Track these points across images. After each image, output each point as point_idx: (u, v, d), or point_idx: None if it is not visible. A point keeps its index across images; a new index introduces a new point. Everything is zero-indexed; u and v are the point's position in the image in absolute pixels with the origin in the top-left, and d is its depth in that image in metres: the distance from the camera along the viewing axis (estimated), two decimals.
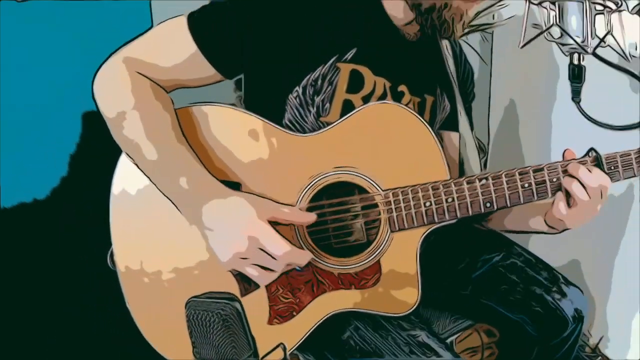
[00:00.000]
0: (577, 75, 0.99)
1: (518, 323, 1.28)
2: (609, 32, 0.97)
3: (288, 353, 1.09)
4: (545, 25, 0.99)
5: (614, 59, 1.09)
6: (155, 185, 1.08)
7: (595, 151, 1.17)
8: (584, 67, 1.01)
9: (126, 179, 1.13)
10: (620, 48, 1.01)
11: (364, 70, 1.16)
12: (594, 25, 0.98)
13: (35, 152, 1.74)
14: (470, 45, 1.76)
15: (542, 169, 1.12)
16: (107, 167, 1.17)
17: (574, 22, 0.98)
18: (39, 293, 1.80)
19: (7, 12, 1.63)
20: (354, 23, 1.17)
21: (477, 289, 1.30)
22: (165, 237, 1.12)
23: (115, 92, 1.11)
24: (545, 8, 0.99)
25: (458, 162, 1.27)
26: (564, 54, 1.01)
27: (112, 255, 1.15)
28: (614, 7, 0.96)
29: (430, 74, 1.25)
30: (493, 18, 1.66)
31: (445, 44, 1.28)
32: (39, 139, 1.74)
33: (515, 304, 1.28)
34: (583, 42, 0.97)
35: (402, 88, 1.20)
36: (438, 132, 1.26)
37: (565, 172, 1.11)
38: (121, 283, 1.15)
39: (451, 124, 1.28)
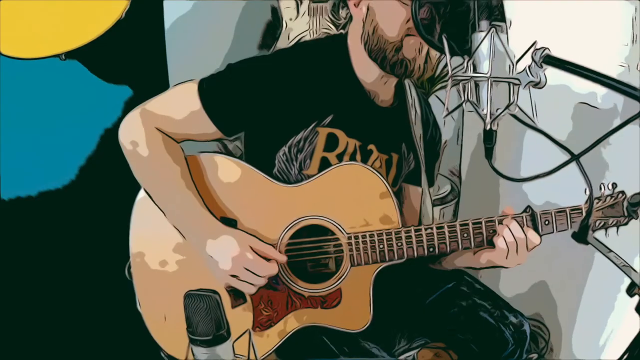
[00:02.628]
0: (488, 138, 1.18)
1: (464, 341, 1.53)
2: (511, 103, 1.21)
3: (266, 355, 1.41)
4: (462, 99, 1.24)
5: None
6: (166, 217, 1.39)
7: (532, 208, 1.44)
8: (495, 131, 1.24)
9: None
10: (527, 115, 1.25)
11: (339, 133, 1.45)
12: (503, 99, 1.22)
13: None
14: (438, 98, 2.01)
15: (480, 222, 1.40)
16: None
17: (483, 95, 1.22)
18: (51, 293, 1.94)
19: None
20: (332, 93, 1.44)
21: (431, 312, 1.56)
22: (176, 248, 1.42)
23: (133, 143, 1.39)
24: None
25: (419, 212, 1.55)
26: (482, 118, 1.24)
27: (129, 267, 1.45)
28: (520, 81, 1.21)
29: (397, 135, 1.53)
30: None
31: (414, 110, 1.55)
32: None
33: (461, 325, 1.52)
34: (492, 113, 1.21)
35: (371, 147, 1.49)
36: (402, 185, 1.55)
37: (500, 222, 1.39)
38: (135, 285, 1.44)
39: (415, 179, 1.56)
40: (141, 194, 1.43)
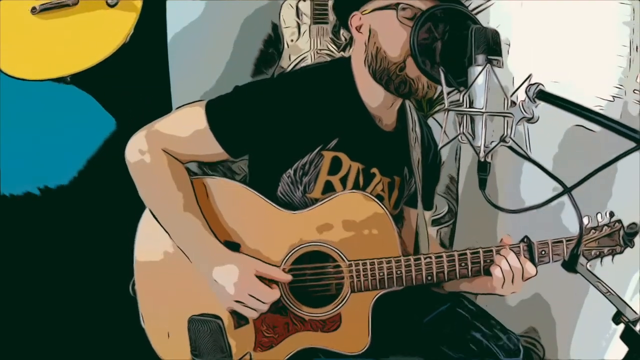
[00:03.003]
0: (482, 169, 1.19)
1: None
2: (505, 137, 1.24)
3: None
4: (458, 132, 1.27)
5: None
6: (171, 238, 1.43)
7: (529, 239, 1.47)
8: (489, 163, 1.28)
9: None
10: (520, 147, 1.28)
11: (343, 157, 1.49)
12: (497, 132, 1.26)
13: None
14: (435, 120, 2.05)
15: (478, 252, 1.43)
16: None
17: (478, 128, 1.25)
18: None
19: None
20: (337, 116, 1.48)
21: (427, 331, 1.59)
22: (181, 266, 1.45)
23: (140, 164, 1.43)
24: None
25: (415, 233, 1.59)
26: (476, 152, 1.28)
27: (133, 284, 1.49)
28: (513, 116, 1.25)
29: (399, 158, 1.57)
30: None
31: (414, 134, 1.59)
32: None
33: (455, 344, 1.55)
34: (486, 145, 1.25)
35: (374, 170, 1.53)
36: (402, 208, 1.59)
37: (498, 252, 1.43)
38: (139, 303, 1.48)
39: (414, 201, 1.60)
40: (146, 212, 1.47)
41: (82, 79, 1.75)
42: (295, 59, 2.10)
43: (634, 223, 1.53)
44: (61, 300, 1.93)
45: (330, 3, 2.09)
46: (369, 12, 1.47)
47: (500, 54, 1.22)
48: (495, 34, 1.23)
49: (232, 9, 2.16)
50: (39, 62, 1.72)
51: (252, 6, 2.19)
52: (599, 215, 1.51)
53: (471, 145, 1.24)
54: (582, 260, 1.50)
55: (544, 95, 1.19)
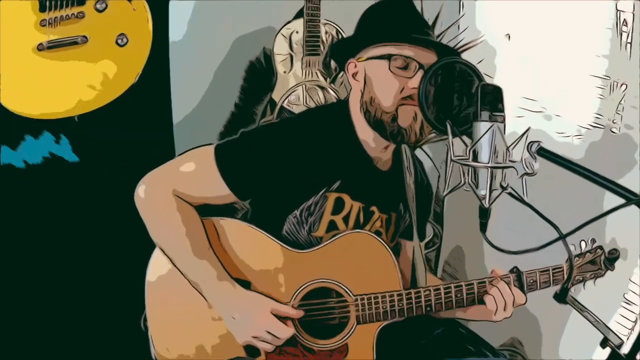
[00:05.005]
0: (483, 214, 1.28)
1: None
2: (506, 187, 1.34)
3: None
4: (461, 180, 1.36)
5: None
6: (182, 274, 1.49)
7: (518, 269, 1.58)
8: (490, 209, 1.38)
9: None
10: (517, 193, 1.38)
11: (345, 197, 1.56)
12: (498, 180, 1.35)
13: None
14: (425, 152, 2.14)
15: (472, 284, 1.54)
16: None
17: (481, 179, 1.34)
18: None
19: None
20: (339, 160, 1.55)
21: (420, 353, 1.68)
22: (192, 301, 1.52)
23: (150, 208, 1.48)
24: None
25: (411, 264, 1.68)
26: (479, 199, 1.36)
27: (145, 319, 1.55)
28: (516, 171, 1.34)
29: (395, 196, 1.65)
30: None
31: (409, 173, 1.66)
32: None
33: None
34: (490, 195, 1.34)
35: (373, 208, 1.61)
36: (398, 240, 1.68)
37: (490, 283, 1.53)
38: (151, 337, 1.53)
39: (409, 234, 1.69)
40: (156, 250, 1.52)
41: (89, 118, 1.77)
42: (288, 91, 2.16)
43: (614, 249, 1.65)
44: (72, 336, 1.99)
45: (322, 36, 2.15)
46: (364, 60, 1.53)
47: (503, 110, 1.30)
48: (498, 91, 1.30)
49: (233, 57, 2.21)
50: (45, 100, 1.73)
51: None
52: (582, 243, 1.63)
53: (475, 193, 1.33)
54: None
55: (544, 153, 1.29)
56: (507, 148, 1.30)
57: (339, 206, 1.56)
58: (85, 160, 1.91)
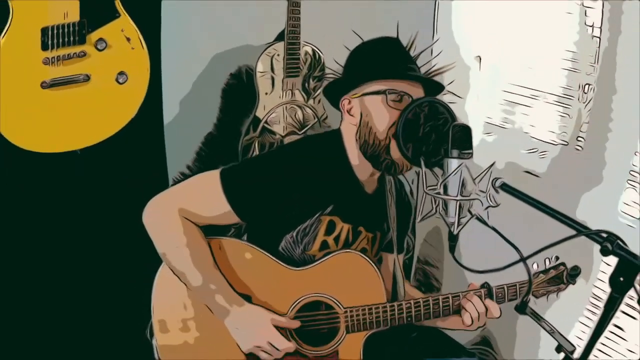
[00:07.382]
0: (452, 239, 1.48)
1: None
2: (473, 215, 1.54)
3: None
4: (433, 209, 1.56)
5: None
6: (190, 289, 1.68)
7: (488, 285, 1.78)
8: (458, 234, 1.55)
9: None
10: (482, 217, 1.58)
11: (336, 219, 1.77)
12: (466, 209, 1.55)
13: None
14: (406, 179, 2.33)
15: (448, 298, 1.74)
16: None
17: (451, 209, 1.51)
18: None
19: None
20: (333, 187, 1.75)
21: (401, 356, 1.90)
22: (197, 316, 1.72)
23: (158, 228, 1.66)
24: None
25: (392, 274, 1.90)
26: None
27: (151, 328, 1.74)
28: (481, 203, 1.55)
29: (379, 217, 1.86)
30: None
31: (390, 195, 1.86)
32: None
33: None
34: (459, 222, 1.53)
35: (361, 228, 1.82)
36: (381, 254, 1.89)
37: (464, 296, 1.74)
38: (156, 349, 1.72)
39: (389, 248, 1.91)
40: (162, 265, 1.70)
41: (91, 151, 1.91)
42: (269, 111, 2.37)
43: (576, 266, 1.85)
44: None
45: (302, 57, 2.36)
46: (358, 97, 1.72)
47: (470, 148, 1.51)
48: (468, 131, 1.51)
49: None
50: (49, 135, 1.83)
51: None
52: (546, 261, 1.83)
53: (444, 220, 1.54)
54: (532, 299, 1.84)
55: (506, 188, 1.49)
56: (474, 180, 1.51)
57: (331, 228, 1.76)
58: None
